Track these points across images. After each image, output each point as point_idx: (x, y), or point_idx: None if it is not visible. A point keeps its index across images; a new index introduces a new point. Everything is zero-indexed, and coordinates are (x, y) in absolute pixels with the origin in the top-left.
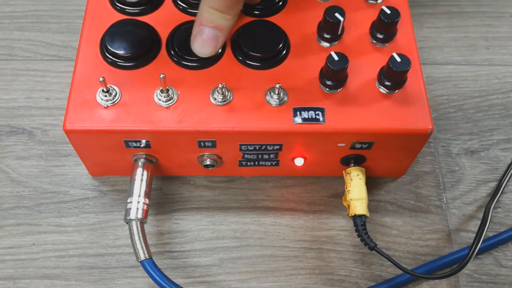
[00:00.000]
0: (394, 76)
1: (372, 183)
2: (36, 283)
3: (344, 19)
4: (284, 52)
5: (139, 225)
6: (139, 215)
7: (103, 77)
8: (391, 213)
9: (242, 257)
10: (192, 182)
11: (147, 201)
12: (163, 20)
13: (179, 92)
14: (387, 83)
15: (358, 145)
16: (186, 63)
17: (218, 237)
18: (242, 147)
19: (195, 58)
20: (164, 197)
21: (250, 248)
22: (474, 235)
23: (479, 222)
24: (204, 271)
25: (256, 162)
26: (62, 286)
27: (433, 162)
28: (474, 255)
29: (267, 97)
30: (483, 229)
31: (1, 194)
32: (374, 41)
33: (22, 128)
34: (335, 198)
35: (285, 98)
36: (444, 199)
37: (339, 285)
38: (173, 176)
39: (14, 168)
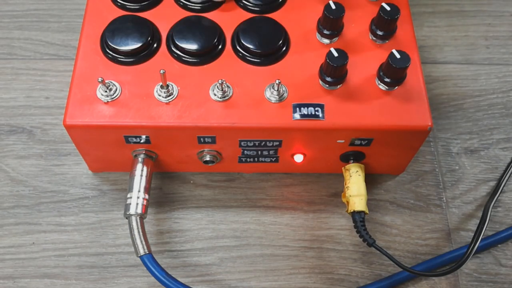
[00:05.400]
0: (393, 72)
1: (371, 182)
2: (36, 282)
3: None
4: (284, 48)
5: (138, 220)
6: (139, 210)
7: (101, 78)
8: (391, 212)
9: (242, 256)
10: (192, 181)
11: (147, 196)
12: (163, 16)
13: (179, 88)
14: (386, 79)
15: (357, 142)
16: (186, 59)
17: (218, 236)
18: (242, 143)
19: (195, 54)
20: (164, 196)
21: (250, 247)
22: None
23: (479, 221)
24: (204, 270)
25: (256, 159)
26: (62, 285)
27: (433, 161)
28: (473, 252)
29: (267, 93)
30: (482, 227)
31: (1, 193)
32: (374, 38)
33: (22, 127)
34: (335, 197)
35: (285, 94)
36: (444, 198)
37: (338, 284)
38: (173, 176)
39: (14, 167)
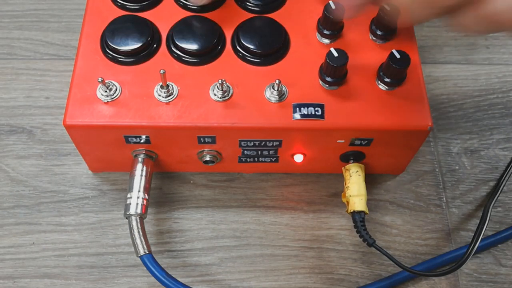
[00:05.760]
0: (393, 72)
1: (371, 182)
2: (36, 282)
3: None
4: (284, 48)
5: (138, 220)
6: (139, 210)
7: (101, 78)
8: (391, 212)
9: (242, 256)
10: (192, 181)
11: (146, 196)
12: (163, 16)
13: (179, 88)
14: (386, 79)
15: (357, 142)
16: (186, 59)
17: (218, 236)
18: (242, 143)
19: (195, 54)
20: (164, 196)
21: (250, 247)
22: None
23: (479, 221)
24: (204, 270)
25: (256, 159)
26: (62, 285)
27: (433, 161)
28: (473, 252)
29: (267, 93)
30: (482, 227)
31: (1, 193)
32: (374, 38)
33: (22, 127)
34: (335, 197)
35: (285, 94)
36: (444, 198)
37: (338, 284)
38: (173, 176)
39: (13, 167)
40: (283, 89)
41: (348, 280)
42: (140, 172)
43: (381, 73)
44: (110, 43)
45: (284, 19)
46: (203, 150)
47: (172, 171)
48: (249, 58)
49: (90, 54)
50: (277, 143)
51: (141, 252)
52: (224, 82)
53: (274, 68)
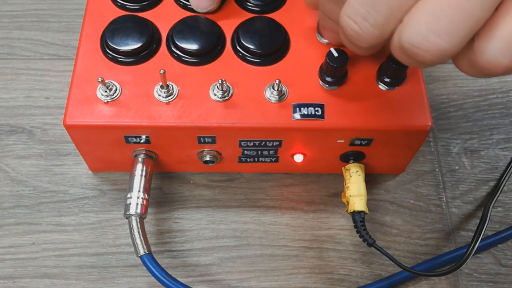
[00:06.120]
0: (393, 72)
1: (371, 182)
2: (36, 282)
3: None
4: (284, 48)
5: (138, 220)
6: (139, 210)
7: (101, 78)
8: (391, 212)
9: (242, 256)
10: (192, 182)
11: (146, 196)
12: (163, 16)
13: (179, 88)
14: (386, 79)
15: (357, 142)
16: (186, 59)
17: (218, 236)
18: (242, 143)
19: (195, 54)
20: (164, 196)
21: (250, 247)
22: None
23: (479, 221)
24: (204, 270)
25: (256, 159)
26: (62, 285)
27: (433, 161)
28: (473, 252)
29: (267, 93)
30: (482, 227)
31: (1, 193)
32: None
33: (22, 127)
34: (335, 197)
35: (285, 94)
36: (444, 198)
37: (338, 284)
38: (173, 176)
39: (13, 167)
40: (283, 89)
41: (348, 280)
42: (140, 172)
43: (381, 73)
44: (110, 43)
45: (284, 19)
46: (203, 150)
47: (172, 171)
48: (249, 58)
49: (90, 54)
50: (277, 143)
51: (141, 252)
52: (224, 82)
53: (274, 68)
